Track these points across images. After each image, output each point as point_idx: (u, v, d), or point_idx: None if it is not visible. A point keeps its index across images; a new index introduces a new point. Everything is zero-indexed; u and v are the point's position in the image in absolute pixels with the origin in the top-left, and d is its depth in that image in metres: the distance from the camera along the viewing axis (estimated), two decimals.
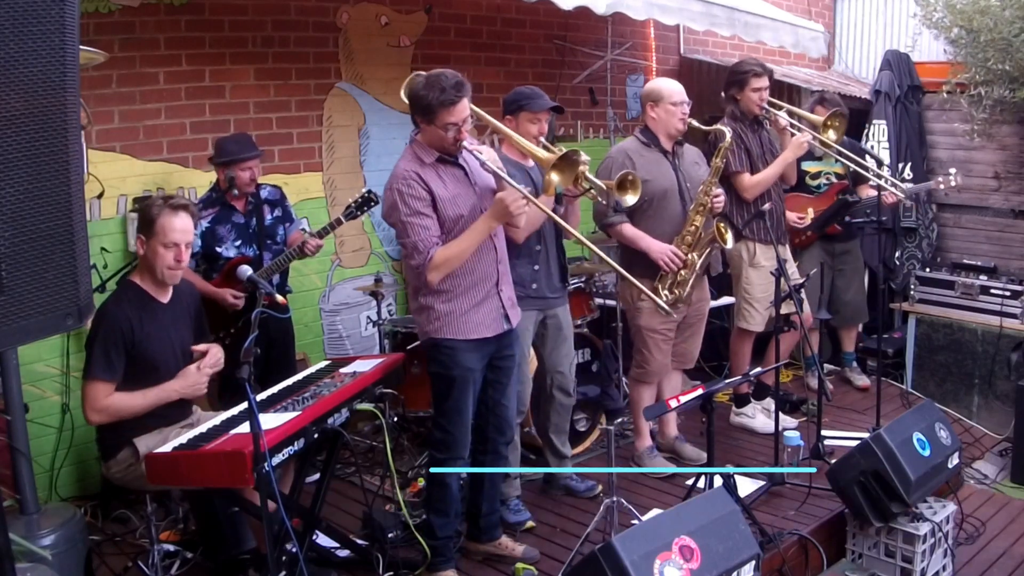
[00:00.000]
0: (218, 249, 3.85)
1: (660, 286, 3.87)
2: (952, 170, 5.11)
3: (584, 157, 3.07)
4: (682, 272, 3.84)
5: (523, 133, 3.39)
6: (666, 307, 3.34)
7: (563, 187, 3.03)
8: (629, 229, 3.87)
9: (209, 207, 3.85)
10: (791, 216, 4.85)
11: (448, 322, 2.99)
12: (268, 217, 4.01)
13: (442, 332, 3.00)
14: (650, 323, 3.96)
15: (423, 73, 2.93)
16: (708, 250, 3.88)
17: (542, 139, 3.43)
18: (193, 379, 2.98)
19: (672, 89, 3.90)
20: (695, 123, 3.93)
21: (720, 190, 3.90)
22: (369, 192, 3.83)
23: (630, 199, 3.31)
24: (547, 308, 3.62)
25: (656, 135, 3.92)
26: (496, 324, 3.08)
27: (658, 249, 3.82)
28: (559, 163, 2.95)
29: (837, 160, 4.93)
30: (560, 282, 3.66)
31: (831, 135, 4.41)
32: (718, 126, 4.05)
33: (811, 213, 4.97)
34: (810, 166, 5.01)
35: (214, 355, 3.06)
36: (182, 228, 2.92)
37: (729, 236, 3.81)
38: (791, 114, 4.47)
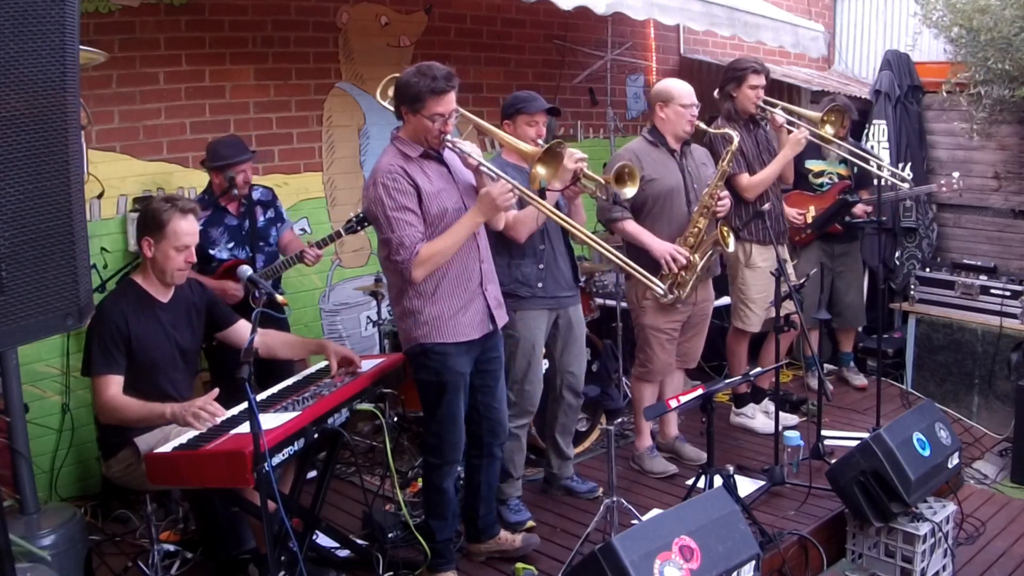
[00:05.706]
0: (211, 251, 3.84)
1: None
2: (955, 174, 5.10)
3: (574, 153, 3.07)
4: (683, 273, 3.84)
5: (521, 136, 3.40)
6: (661, 287, 3.34)
7: (547, 182, 3.00)
8: (631, 225, 3.86)
9: (202, 209, 3.83)
10: (791, 212, 4.84)
11: (437, 326, 2.96)
12: (261, 219, 4.00)
13: (431, 337, 2.96)
14: (654, 322, 3.96)
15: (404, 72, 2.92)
16: (710, 252, 3.87)
17: (539, 141, 3.42)
18: (189, 411, 2.72)
19: (683, 91, 3.89)
20: (702, 125, 3.93)
21: (726, 193, 3.88)
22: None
23: (629, 191, 3.31)
24: (559, 307, 3.61)
25: (664, 135, 3.92)
26: (482, 325, 3.06)
27: (660, 248, 3.81)
28: (544, 156, 2.95)
29: (842, 162, 4.93)
30: (572, 280, 3.66)
31: (828, 130, 4.37)
32: (726, 130, 4.02)
33: (812, 211, 4.97)
34: (813, 164, 5.00)
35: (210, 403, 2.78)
36: (192, 231, 2.97)
37: (731, 240, 3.81)
38: (787, 111, 4.42)
